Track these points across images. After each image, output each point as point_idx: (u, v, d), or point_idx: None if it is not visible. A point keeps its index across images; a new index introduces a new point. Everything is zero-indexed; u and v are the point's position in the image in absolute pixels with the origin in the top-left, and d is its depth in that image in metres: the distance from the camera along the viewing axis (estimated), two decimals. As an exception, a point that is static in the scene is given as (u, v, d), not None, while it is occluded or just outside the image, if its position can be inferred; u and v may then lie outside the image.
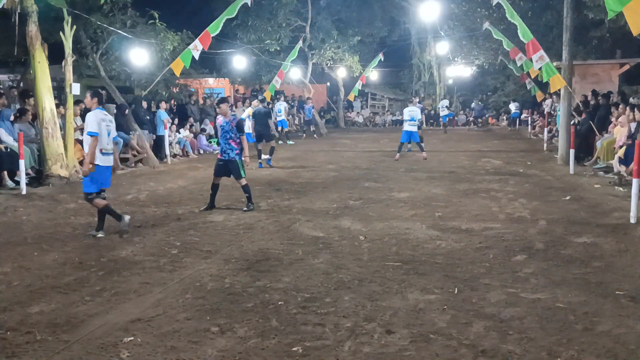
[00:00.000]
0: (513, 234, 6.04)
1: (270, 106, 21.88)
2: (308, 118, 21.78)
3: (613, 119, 11.25)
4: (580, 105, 13.73)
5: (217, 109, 7.74)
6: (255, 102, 13.44)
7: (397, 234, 6.16)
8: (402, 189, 9.08)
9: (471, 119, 28.60)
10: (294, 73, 22.75)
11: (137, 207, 7.85)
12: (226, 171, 7.59)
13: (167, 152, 13.35)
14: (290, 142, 18.68)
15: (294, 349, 3.39)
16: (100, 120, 6.13)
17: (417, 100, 16.49)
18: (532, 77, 18.66)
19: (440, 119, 25.07)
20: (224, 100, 7.80)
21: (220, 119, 7.65)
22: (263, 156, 12.33)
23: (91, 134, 6.04)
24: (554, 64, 12.02)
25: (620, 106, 11.05)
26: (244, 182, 7.58)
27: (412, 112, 13.56)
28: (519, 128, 24.06)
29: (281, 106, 20.19)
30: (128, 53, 12.97)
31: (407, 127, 13.50)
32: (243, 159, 7.65)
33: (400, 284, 4.53)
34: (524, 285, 4.45)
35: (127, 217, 6.32)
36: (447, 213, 7.19)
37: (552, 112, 18.45)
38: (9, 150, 9.23)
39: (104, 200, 6.29)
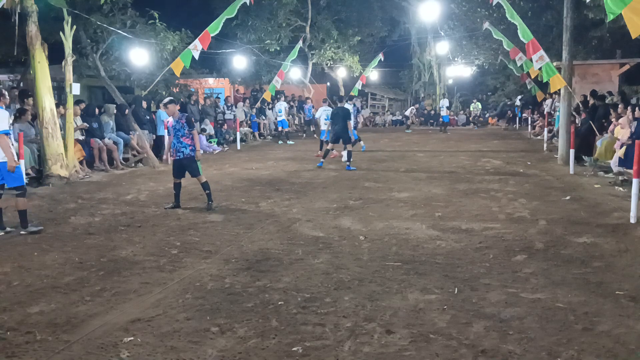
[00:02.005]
0: (513, 234, 6.04)
1: (270, 106, 21.97)
2: (308, 118, 21.77)
3: (613, 120, 11.25)
4: (581, 106, 13.73)
5: (165, 110, 7.73)
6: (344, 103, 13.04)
7: (397, 234, 6.16)
8: (402, 189, 9.08)
9: (471, 118, 28.59)
10: (294, 73, 22.74)
11: (137, 207, 7.85)
12: (183, 170, 7.61)
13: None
14: (290, 142, 18.67)
15: (294, 349, 3.39)
16: None
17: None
18: (532, 77, 18.68)
19: (441, 119, 25.07)
20: (171, 101, 7.78)
21: (170, 121, 7.63)
22: (345, 158, 12.11)
23: None
24: (554, 64, 12.02)
25: (620, 106, 11.05)
26: (203, 179, 7.62)
27: (327, 111, 14.52)
28: (519, 128, 24.04)
29: (281, 106, 20.20)
30: (128, 53, 12.97)
31: (322, 126, 14.54)
32: (196, 154, 7.61)
33: (400, 284, 4.53)
34: (524, 285, 4.45)
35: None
36: (447, 213, 7.19)
37: (552, 112, 18.45)
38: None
39: None
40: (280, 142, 18.84)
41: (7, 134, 6.01)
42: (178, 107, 7.97)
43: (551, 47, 15.76)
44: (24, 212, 6.30)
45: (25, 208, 6.34)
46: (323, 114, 14.81)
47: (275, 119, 20.78)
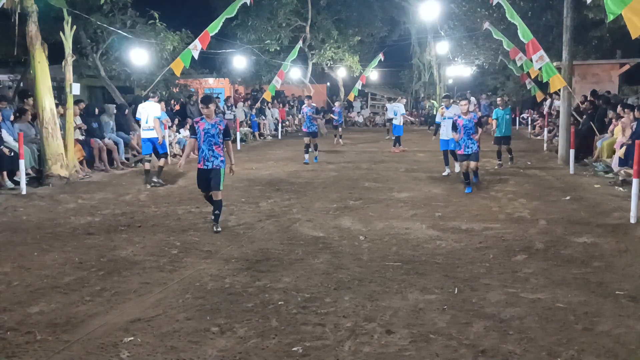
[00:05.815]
0: (513, 234, 6.04)
1: (269, 106, 21.93)
2: (338, 122, 18.97)
3: (614, 120, 11.24)
4: (581, 106, 13.72)
5: (204, 109, 6.42)
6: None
7: (397, 234, 6.16)
8: (402, 189, 9.08)
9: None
10: (294, 73, 22.72)
11: (137, 207, 7.85)
12: (209, 181, 6.41)
13: (167, 152, 13.33)
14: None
15: (294, 349, 3.39)
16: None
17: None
18: (532, 77, 18.65)
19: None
20: (211, 99, 6.56)
21: (202, 123, 6.39)
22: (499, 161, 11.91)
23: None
24: (554, 64, 12.02)
25: (619, 108, 11.03)
26: (220, 195, 6.43)
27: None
28: (519, 128, 24.00)
29: (398, 108, 18.20)
30: (128, 53, 12.98)
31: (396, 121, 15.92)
32: (230, 167, 6.58)
33: (400, 284, 4.53)
34: (524, 285, 4.46)
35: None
36: (447, 213, 7.19)
37: (552, 112, 18.44)
38: (11, 153, 9.20)
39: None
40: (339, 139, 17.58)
41: (160, 118, 9.59)
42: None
43: (551, 47, 15.74)
44: (162, 168, 9.49)
45: (164, 166, 9.58)
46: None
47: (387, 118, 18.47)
